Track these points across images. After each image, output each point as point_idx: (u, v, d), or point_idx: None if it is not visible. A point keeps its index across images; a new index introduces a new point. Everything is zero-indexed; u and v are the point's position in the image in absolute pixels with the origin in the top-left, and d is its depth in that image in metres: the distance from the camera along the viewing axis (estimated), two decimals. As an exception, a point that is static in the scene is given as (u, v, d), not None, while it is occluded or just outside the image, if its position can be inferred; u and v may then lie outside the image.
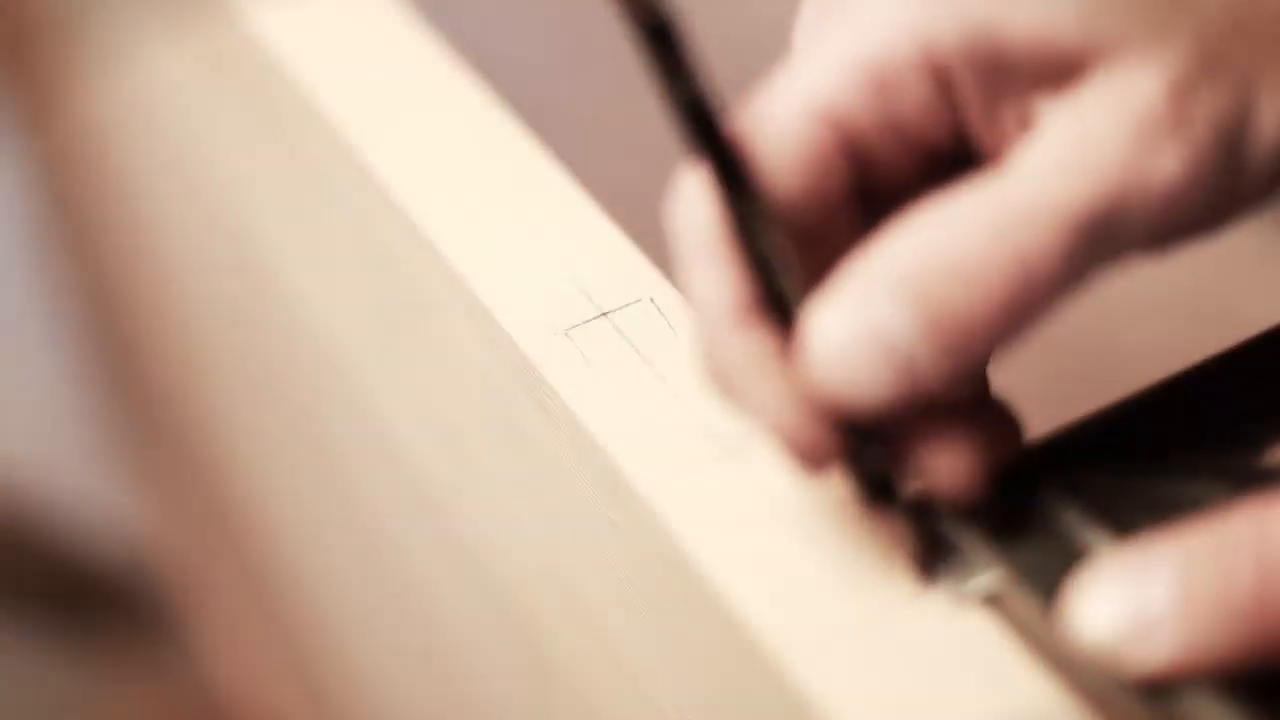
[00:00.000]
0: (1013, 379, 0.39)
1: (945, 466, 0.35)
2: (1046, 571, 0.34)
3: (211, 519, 0.99)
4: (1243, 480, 0.35)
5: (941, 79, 0.35)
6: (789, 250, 0.35)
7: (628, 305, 0.43)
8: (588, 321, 0.43)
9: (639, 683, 0.44)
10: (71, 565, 1.23)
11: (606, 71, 0.79)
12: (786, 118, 0.35)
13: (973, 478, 0.35)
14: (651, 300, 0.44)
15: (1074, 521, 0.35)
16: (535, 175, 0.48)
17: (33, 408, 1.23)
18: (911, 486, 0.36)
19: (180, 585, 1.17)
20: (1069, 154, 0.33)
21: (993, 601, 0.36)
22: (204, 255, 0.75)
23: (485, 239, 0.46)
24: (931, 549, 0.36)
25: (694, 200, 0.36)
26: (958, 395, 0.35)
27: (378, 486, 0.63)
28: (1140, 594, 0.32)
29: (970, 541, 0.36)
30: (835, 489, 0.38)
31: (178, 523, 1.13)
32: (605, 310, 0.43)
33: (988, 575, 0.36)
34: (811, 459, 0.35)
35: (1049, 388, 0.39)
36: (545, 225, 0.46)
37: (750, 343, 0.35)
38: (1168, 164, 0.33)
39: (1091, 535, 0.35)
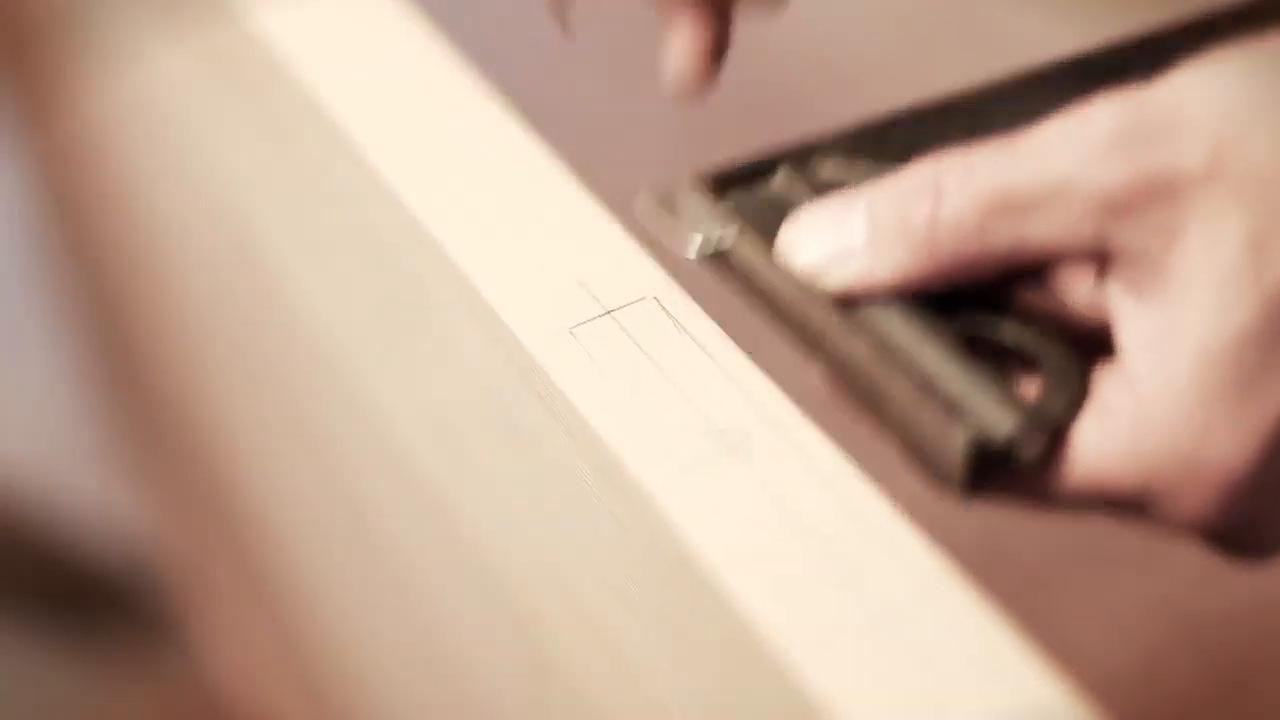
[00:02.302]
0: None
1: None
2: (773, 225, 0.43)
3: (211, 519, 0.99)
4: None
5: None
6: None
7: (632, 303, 0.43)
8: (592, 319, 0.43)
9: (641, 682, 0.44)
10: (71, 565, 1.23)
11: (609, 69, 0.79)
12: None
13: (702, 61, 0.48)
14: (656, 298, 0.44)
15: (799, 194, 0.44)
16: (538, 173, 0.48)
17: (33, 408, 1.23)
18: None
19: (180, 585, 1.17)
20: None
21: (722, 256, 0.44)
22: (205, 255, 0.75)
23: (488, 238, 0.46)
24: (684, 220, 0.45)
25: None
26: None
27: (378, 486, 0.63)
28: (837, 229, 0.41)
29: (712, 207, 0.44)
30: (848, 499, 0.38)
31: (178, 523, 1.13)
32: (610, 308, 0.43)
33: (725, 231, 0.44)
34: None
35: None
36: (548, 223, 0.46)
37: None
38: None
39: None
